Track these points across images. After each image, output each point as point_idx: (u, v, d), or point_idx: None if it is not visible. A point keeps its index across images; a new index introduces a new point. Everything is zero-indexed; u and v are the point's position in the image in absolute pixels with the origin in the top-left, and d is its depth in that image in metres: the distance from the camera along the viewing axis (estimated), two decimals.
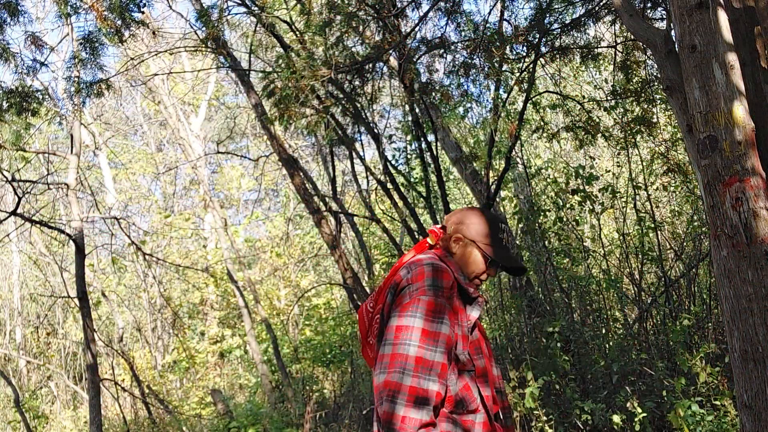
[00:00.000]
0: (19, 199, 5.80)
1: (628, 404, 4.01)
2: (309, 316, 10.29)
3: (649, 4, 5.34)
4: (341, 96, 5.98)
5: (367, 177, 7.22)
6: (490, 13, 8.15)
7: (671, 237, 6.90)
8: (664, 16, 5.15)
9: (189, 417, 9.07)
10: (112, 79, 5.81)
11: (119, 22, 5.13)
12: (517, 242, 6.57)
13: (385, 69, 6.08)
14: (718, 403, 3.82)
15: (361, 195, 7.57)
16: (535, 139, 9.13)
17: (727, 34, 2.42)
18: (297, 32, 6.01)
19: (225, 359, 12.10)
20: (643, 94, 5.78)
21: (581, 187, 5.84)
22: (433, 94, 5.82)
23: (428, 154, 6.24)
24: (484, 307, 1.95)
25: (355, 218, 8.93)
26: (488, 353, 1.98)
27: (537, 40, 5.47)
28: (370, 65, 5.65)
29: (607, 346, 5.25)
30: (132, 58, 7.53)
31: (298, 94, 4.84)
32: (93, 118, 12.60)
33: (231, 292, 12.07)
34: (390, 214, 8.49)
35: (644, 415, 3.96)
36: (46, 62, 5.52)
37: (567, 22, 5.82)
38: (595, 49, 5.94)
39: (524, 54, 5.69)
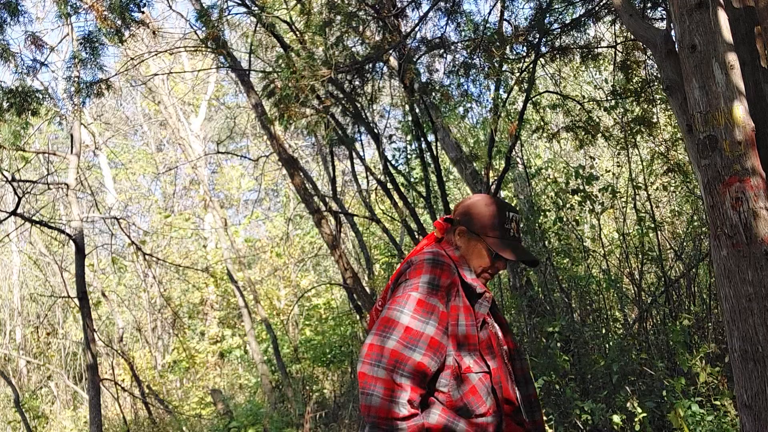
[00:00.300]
0: (19, 199, 5.80)
1: (628, 404, 4.01)
2: (309, 316, 10.29)
3: (649, 4, 5.34)
4: (341, 96, 5.98)
5: (367, 177, 7.22)
6: (490, 13, 8.15)
7: (671, 237, 6.90)
8: (664, 16, 5.15)
9: (189, 417, 9.07)
10: (112, 79, 5.81)
11: (119, 22, 5.13)
12: None
13: (385, 69, 6.08)
14: (718, 403, 3.82)
15: (361, 195, 7.56)
16: (535, 139, 9.13)
17: (727, 34, 2.42)
18: (297, 32, 6.01)
19: (225, 359, 12.10)
20: (643, 94, 5.78)
21: (581, 187, 5.84)
22: (433, 94, 5.82)
23: (428, 154, 6.24)
24: (488, 304, 1.86)
25: (355, 218, 8.92)
26: (510, 347, 1.89)
27: (537, 40, 5.47)
28: (370, 65, 5.66)
29: (607, 346, 5.25)
30: (132, 58, 7.53)
31: (298, 94, 4.84)
32: (93, 118, 12.60)
33: (231, 292, 12.08)
34: (390, 214, 8.49)
35: (644, 415, 3.96)
36: (46, 62, 5.53)
37: (567, 22, 5.82)
38: (595, 49, 5.94)
39: (524, 54, 5.69)
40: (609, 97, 6.12)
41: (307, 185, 6.69)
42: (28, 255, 13.85)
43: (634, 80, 5.85)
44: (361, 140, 7.30)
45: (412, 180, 7.33)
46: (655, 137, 6.37)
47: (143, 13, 5.48)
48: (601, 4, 5.52)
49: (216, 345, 12.17)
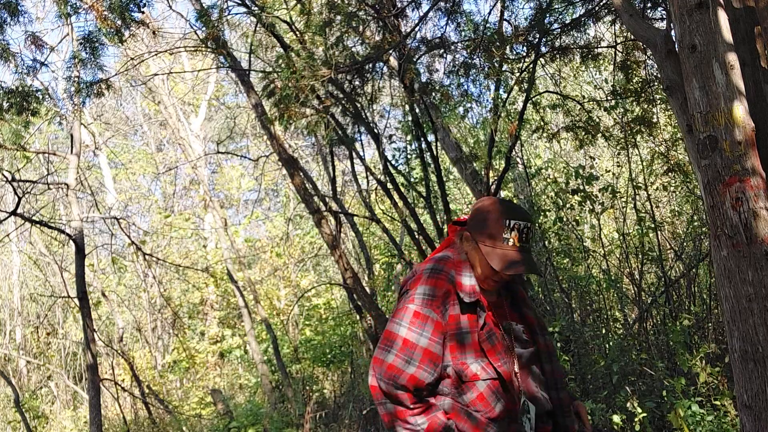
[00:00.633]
0: (19, 199, 5.80)
1: (628, 404, 4.01)
2: (309, 316, 10.29)
3: (649, 4, 5.34)
4: (341, 96, 5.98)
5: (367, 177, 7.21)
6: (490, 13, 8.15)
7: (671, 237, 6.90)
8: (664, 16, 5.15)
9: (189, 417, 9.07)
10: (112, 79, 5.81)
11: (119, 22, 5.13)
12: None
13: (385, 69, 6.08)
14: (718, 403, 3.82)
15: (361, 195, 7.56)
16: (535, 139, 9.13)
17: (727, 34, 2.42)
18: (297, 32, 6.01)
19: (225, 359, 12.10)
20: (643, 94, 5.77)
21: (581, 187, 5.84)
22: (433, 94, 5.82)
23: (428, 154, 6.24)
24: (484, 311, 1.86)
25: (355, 218, 8.92)
26: (540, 348, 1.87)
27: (537, 40, 5.46)
28: (370, 65, 5.65)
29: (607, 346, 5.25)
30: (132, 58, 7.53)
31: (298, 94, 4.84)
32: (93, 118, 12.60)
33: (231, 292, 12.07)
34: (390, 214, 8.49)
35: (644, 415, 3.96)
36: (46, 62, 5.53)
37: (567, 22, 5.81)
38: (595, 49, 5.94)
39: (524, 54, 5.69)
40: (609, 97, 6.12)
41: (307, 185, 6.68)
42: (28, 255, 13.84)
43: (634, 80, 5.84)
44: (361, 140, 7.30)
45: (412, 180, 7.33)
46: (655, 137, 6.36)
47: (143, 13, 5.48)
48: (601, 4, 5.51)
49: (216, 345, 12.17)
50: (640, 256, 5.84)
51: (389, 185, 6.35)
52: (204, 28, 5.58)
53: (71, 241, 6.41)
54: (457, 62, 5.69)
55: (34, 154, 8.85)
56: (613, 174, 6.84)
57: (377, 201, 7.53)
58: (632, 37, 5.13)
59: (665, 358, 4.97)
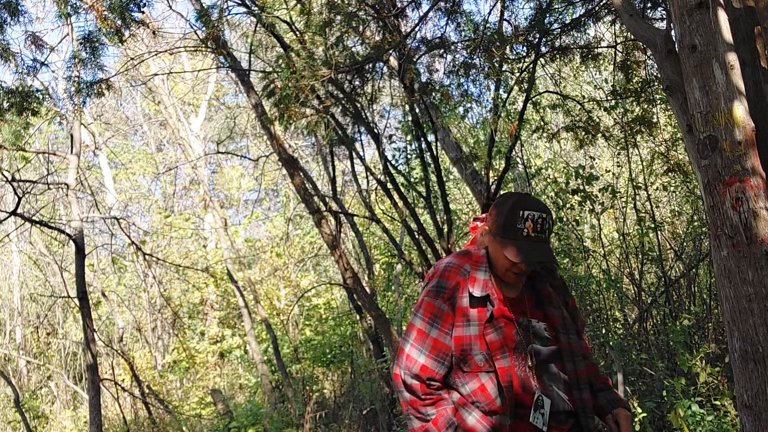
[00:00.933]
0: (19, 199, 5.80)
1: (628, 404, 4.01)
2: (309, 316, 10.29)
3: (649, 4, 5.33)
4: (341, 96, 5.97)
5: (367, 177, 7.21)
6: (490, 13, 8.14)
7: (671, 237, 6.90)
8: (664, 16, 5.15)
9: (189, 417, 9.07)
10: (112, 79, 5.80)
11: (119, 22, 5.12)
12: None
13: (385, 69, 6.08)
14: (718, 403, 3.82)
15: (361, 195, 7.55)
16: (535, 139, 9.12)
17: (727, 34, 2.42)
18: (297, 32, 6.01)
19: (225, 359, 12.10)
20: (643, 94, 5.77)
21: (581, 187, 5.84)
22: (433, 94, 5.81)
23: (428, 154, 6.23)
24: (492, 305, 1.88)
25: (355, 218, 8.92)
26: (562, 347, 1.86)
27: (537, 40, 5.46)
28: (370, 65, 5.65)
29: (607, 346, 5.25)
30: (132, 58, 7.53)
31: (298, 94, 4.84)
32: (93, 118, 12.59)
33: (231, 292, 12.07)
34: (390, 214, 8.48)
35: (644, 415, 3.96)
36: (46, 62, 5.52)
37: (567, 22, 5.81)
38: (595, 49, 5.93)
39: (524, 54, 5.69)
40: (609, 97, 6.12)
41: (307, 185, 6.68)
42: (28, 255, 13.84)
43: (634, 80, 5.84)
44: (361, 140, 7.29)
45: (412, 180, 7.32)
46: (655, 137, 6.36)
47: (143, 13, 5.48)
48: (601, 4, 5.51)
49: (216, 345, 12.17)
50: (640, 256, 5.84)
51: (389, 185, 6.35)
52: (204, 28, 5.57)
53: (71, 241, 6.41)
54: (457, 62, 5.69)
55: (34, 154, 8.86)
56: (613, 174, 6.84)
57: (377, 201, 7.53)
58: (632, 37, 5.13)
59: (665, 358, 4.97)
